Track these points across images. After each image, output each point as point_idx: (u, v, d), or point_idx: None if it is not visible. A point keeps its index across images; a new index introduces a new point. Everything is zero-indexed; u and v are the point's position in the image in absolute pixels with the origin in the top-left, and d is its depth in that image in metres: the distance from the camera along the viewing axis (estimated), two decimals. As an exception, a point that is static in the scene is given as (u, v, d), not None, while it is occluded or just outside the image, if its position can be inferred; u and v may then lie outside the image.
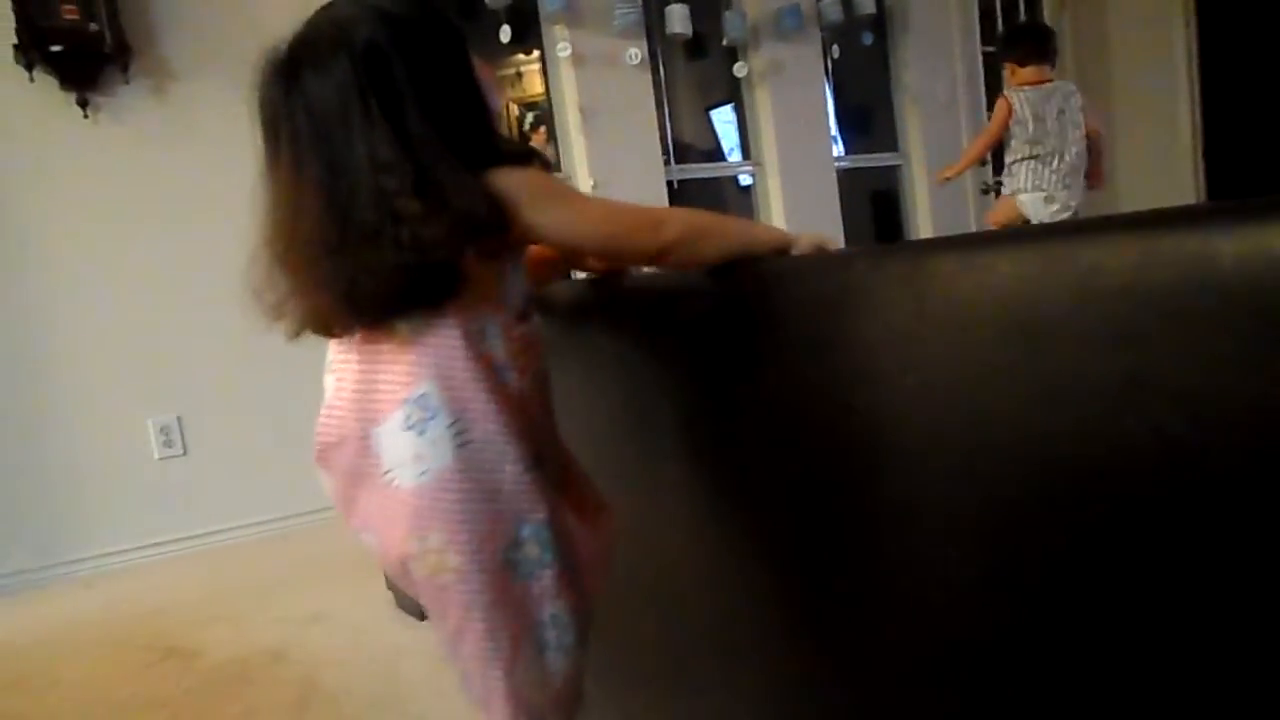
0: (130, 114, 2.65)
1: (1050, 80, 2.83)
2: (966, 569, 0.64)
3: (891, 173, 4.27)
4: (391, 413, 0.76)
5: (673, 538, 1.01)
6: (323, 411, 0.83)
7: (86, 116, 2.57)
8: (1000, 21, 4.41)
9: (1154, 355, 0.49)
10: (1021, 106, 2.79)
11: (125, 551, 2.64)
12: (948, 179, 3.36)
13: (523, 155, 0.81)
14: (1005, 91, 2.87)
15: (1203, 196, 4.26)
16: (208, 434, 2.75)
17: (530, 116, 3.61)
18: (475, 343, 0.77)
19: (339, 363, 0.83)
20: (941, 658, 0.68)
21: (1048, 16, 4.58)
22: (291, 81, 0.77)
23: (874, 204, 4.39)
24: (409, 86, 0.74)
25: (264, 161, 0.78)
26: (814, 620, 0.81)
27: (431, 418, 0.74)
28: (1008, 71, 2.91)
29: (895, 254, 0.69)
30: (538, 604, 0.79)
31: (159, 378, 2.70)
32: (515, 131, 3.63)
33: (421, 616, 1.85)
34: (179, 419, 2.72)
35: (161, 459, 2.70)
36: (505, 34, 3.29)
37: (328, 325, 0.80)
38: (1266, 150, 4.00)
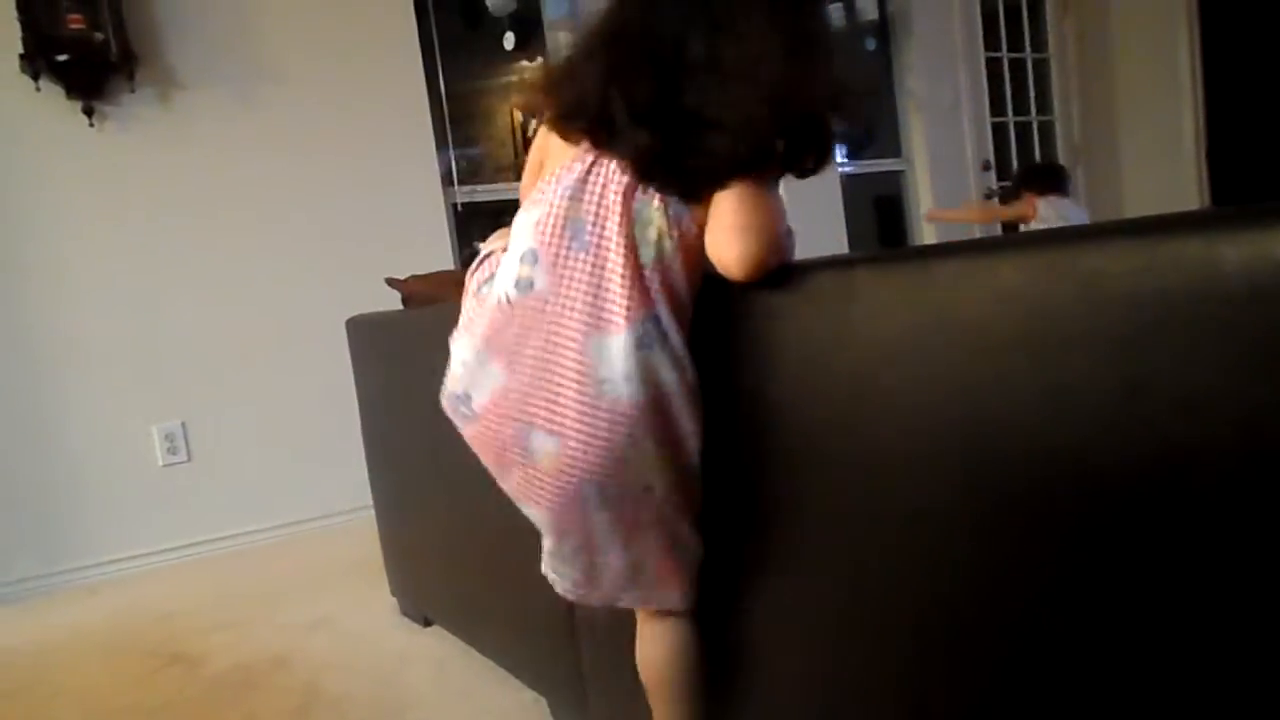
0: (136, 122, 2.66)
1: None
2: (969, 573, 0.64)
3: (895, 178, 4.27)
4: (625, 328, 0.78)
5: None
6: (528, 297, 0.82)
7: (92, 125, 2.58)
8: (1003, 27, 4.41)
9: (1157, 360, 0.49)
10: (1048, 210, 3.10)
11: (129, 558, 2.64)
12: (934, 219, 3.82)
13: None
14: (1030, 199, 3.15)
15: (1206, 200, 4.25)
16: (212, 441, 2.76)
17: (534, 123, 3.62)
18: (695, 286, 0.83)
19: (556, 259, 0.82)
20: (943, 661, 0.68)
21: (1050, 22, 4.58)
22: None
23: (877, 209, 4.39)
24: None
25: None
26: (815, 624, 0.81)
27: (664, 339, 0.79)
28: (1026, 201, 3.17)
29: (899, 260, 0.69)
30: (699, 499, 0.88)
31: (163, 384, 2.70)
32: (518, 138, 3.64)
33: (426, 622, 1.85)
34: (183, 425, 2.73)
35: (166, 465, 2.70)
36: (509, 41, 3.30)
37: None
38: (1269, 154, 3.99)
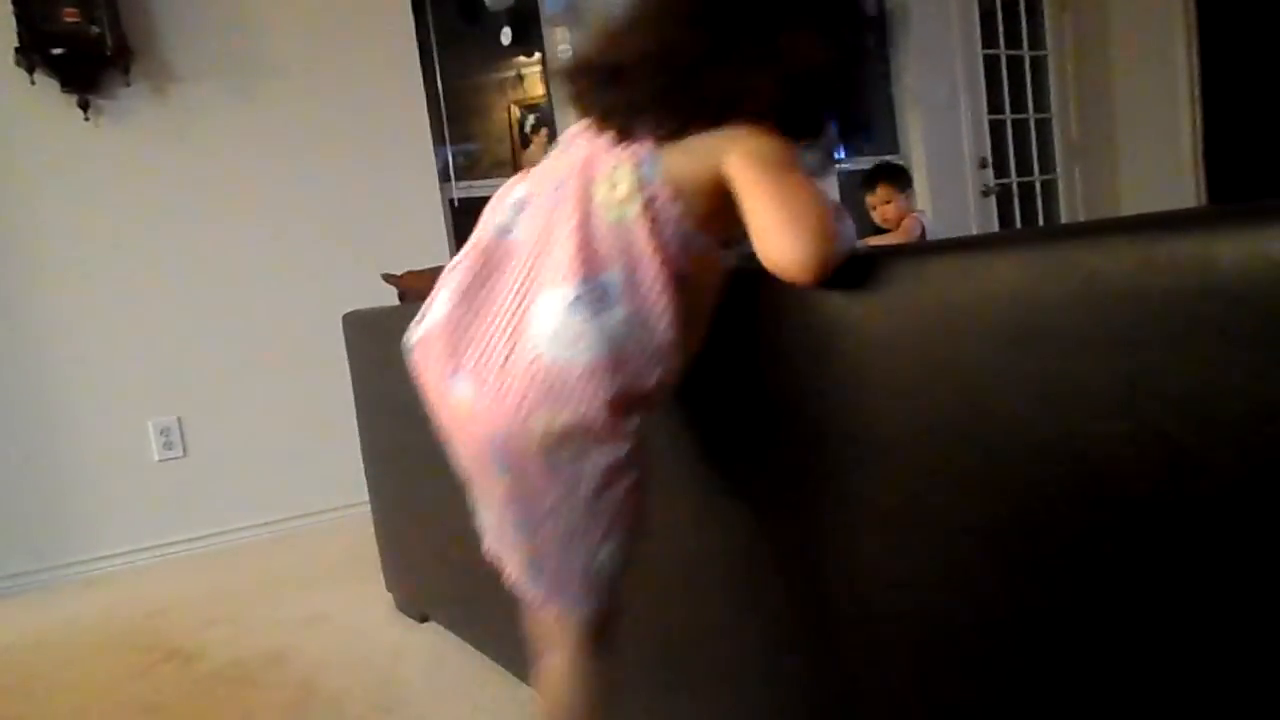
0: (131, 116, 2.65)
1: None
2: (964, 572, 0.64)
3: (892, 175, 4.26)
4: (568, 283, 0.73)
5: (676, 542, 1.01)
6: (501, 241, 0.81)
7: (87, 119, 2.57)
8: (1001, 24, 4.40)
9: (1153, 359, 0.49)
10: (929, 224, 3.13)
11: (125, 554, 2.63)
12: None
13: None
14: (914, 214, 3.17)
15: (1203, 198, 4.26)
16: (208, 436, 2.75)
17: (531, 119, 3.61)
18: (679, 252, 0.75)
19: (534, 210, 0.81)
20: (939, 661, 0.68)
21: (1048, 21, 4.58)
22: None
23: (875, 206, 4.38)
24: None
25: None
26: (812, 623, 0.81)
27: (610, 306, 0.73)
28: (904, 198, 3.16)
29: (895, 256, 0.69)
30: (634, 498, 0.80)
31: (159, 379, 2.70)
32: (516, 133, 3.63)
33: (422, 618, 1.85)
34: (179, 420, 2.72)
35: (161, 461, 2.70)
36: (506, 36, 3.29)
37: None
38: (1267, 151, 4.00)
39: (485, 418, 0.76)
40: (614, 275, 0.74)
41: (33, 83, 2.49)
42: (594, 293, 0.73)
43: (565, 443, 0.75)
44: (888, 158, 4.23)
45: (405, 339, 0.87)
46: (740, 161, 0.74)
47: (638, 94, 0.77)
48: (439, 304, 0.83)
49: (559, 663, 0.87)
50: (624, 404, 0.75)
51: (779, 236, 0.71)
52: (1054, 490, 0.56)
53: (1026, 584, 0.60)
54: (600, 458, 0.77)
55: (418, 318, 0.85)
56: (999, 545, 0.61)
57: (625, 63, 0.78)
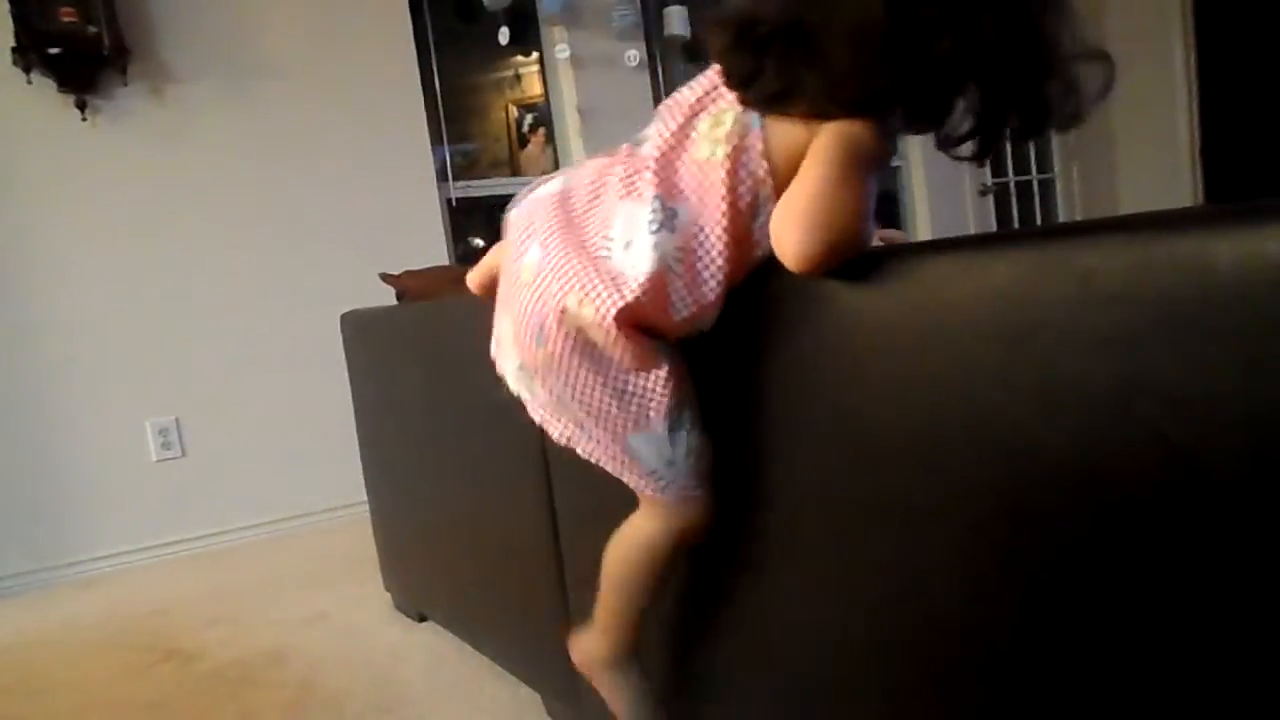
0: (128, 116, 2.64)
1: None
2: (962, 572, 0.64)
3: (890, 174, 4.27)
4: (647, 198, 0.78)
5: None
6: (634, 148, 0.84)
7: (85, 119, 2.57)
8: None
9: (1150, 359, 0.49)
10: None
11: (123, 554, 2.63)
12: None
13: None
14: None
15: (1200, 198, 4.26)
16: (206, 436, 2.75)
17: (529, 118, 3.61)
18: (747, 210, 0.76)
19: (659, 129, 0.82)
20: (935, 660, 0.68)
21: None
22: None
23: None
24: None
25: None
26: (807, 623, 0.81)
27: (672, 233, 0.76)
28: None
29: (893, 255, 0.69)
30: (680, 390, 0.82)
31: (157, 380, 2.69)
32: (513, 133, 3.63)
33: (421, 618, 1.85)
34: (177, 421, 2.72)
35: (160, 461, 2.70)
36: (504, 36, 3.29)
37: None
38: (1264, 151, 4.00)
39: (538, 286, 0.82)
40: (683, 207, 0.77)
41: (29, 82, 2.49)
42: (663, 215, 0.77)
43: (587, 334, 0.79)
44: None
45: (516, 198, 0.93)
46: (823, 140, 0.73)
47: (791, 74, 0.72)
48: (556, 182, 0.89)
49: (628, 534, 0.90)
50: (641, 327, 0.78)
51: (793, 224, 0.71)
52: (1052, 490, 0.56)
53: (1025, 584, 0.60)
54: (619, 356, 0.80)
55: (531, 186, 0.92)
56: (996, 545, 0.61)
57: (794, 29, 0.72)
